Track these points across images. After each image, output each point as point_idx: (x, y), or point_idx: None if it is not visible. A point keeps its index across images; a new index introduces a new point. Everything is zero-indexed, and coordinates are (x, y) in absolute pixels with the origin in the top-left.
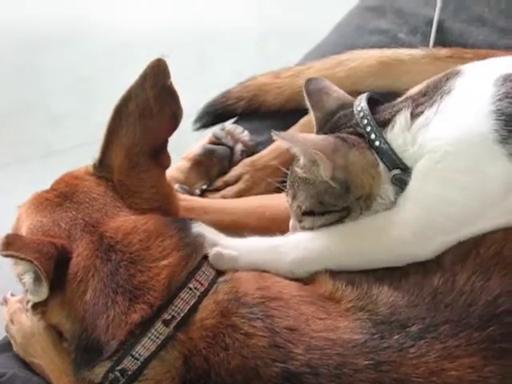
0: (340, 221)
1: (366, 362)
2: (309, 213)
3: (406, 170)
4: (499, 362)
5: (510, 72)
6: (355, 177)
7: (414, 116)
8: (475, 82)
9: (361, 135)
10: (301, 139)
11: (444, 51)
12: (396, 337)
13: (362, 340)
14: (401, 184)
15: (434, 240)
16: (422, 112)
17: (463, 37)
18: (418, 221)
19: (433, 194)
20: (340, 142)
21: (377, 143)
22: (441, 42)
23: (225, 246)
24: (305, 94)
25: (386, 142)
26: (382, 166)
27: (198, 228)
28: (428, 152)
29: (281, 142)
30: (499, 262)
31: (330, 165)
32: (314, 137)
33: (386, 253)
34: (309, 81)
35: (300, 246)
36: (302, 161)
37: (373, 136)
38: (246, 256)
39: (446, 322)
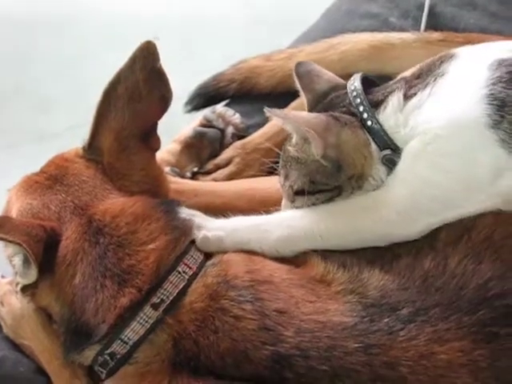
0: (331, 200)
1: (356, 345)
2: (301, 192)
3: (396, 151)
4: (489, 345)
5: (504, 56)
6: (347, 156)
7: (406, 97)
8: (469, 66)
9: (353, 114)
10: (293, 116)
11: (435, 35)
12: (386, 320)
13: (351, 323)
14: (391, 164)
15: (418, 221)
16: (415, 94)
17: (454, 21)
18: (403, 201)
19: (419, 176)
20: (332, 121)
21: (369, 123)
22: (432, 25)
23: (210, 228)
24: (295, 77)
25: (378, 123)
26: (373, 145)
27: (184, 211)
28: (419, 134)
29: (273, 118)
30: (490, 245)
31: (322, 143)
32: (306, 114)
33: (371, 232)
34: (298, 64)
35: (284, 223)
36: (294, 139)
37: (365, 115)
38: (231, 236)
39: (436, 306)
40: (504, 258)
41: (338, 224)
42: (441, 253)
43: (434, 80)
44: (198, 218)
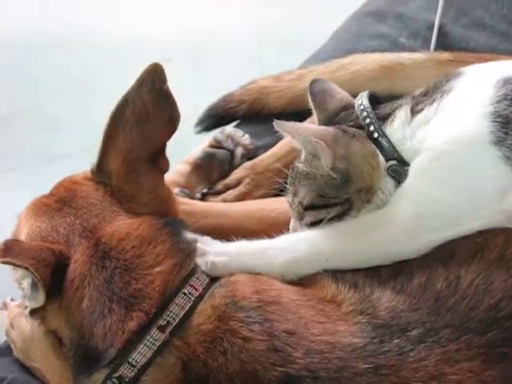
0: (342, 215)
1: (366, 366)
2: (310, 207)
3: (402, 163)
4: (499, 366)
5: (510, 75)
6: (355, 167)
7: (414, 112)
8: (475, 83)
9: (361, 128)
10: (302, 128)
11: (446, 55)
12: (396, 341)
13: (361, 344)
14: (397, 176)
15: (422, 238)
16: (422, 109)
17: (464, 41)
18: (408, 219)
19: (424, 193)
20: (341, 133)
21: (375, 135)
22: (442, 46)
23: (215, 253)
24: (309, 95)
25: (385, 135)
26: (381, 157)
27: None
28: (425, 149)
29: (283, 134)
30: (502, 265)
31: (331, 154)
32: (315, 126)
33: (376, 251)
34: (313, 82)
35: (288, 247)
36: (303, 155)
37: (372, 128)
38: (236, 261)
39: (446, 326)
40: None
41: (343, 245)
42: (453, 272)
43: (441, 96)
44: (202, 243)
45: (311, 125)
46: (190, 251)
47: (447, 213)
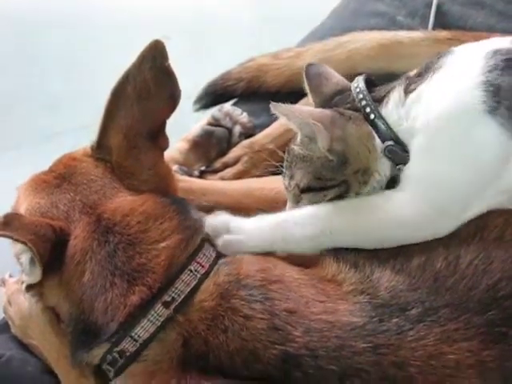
0: (339, 197)
1: (365, 345)
2: (307, 189)
3: (399, 144)
4: (498, 346)
5: (499, 46)
6: (352, 149)
7: (407, 92)
8: (466, 57)
9: (357, 110)
10: (298, 111)
11: (444, 33)
12: (395, 320)
13: (360, 323)
14: (393, 156)
15: (433, 221)
16: (414, 89)
17: (462, 19)
18: (419, 201)
19: (431, 172)
20: (337, 115)
21: (371, 116)
22: (440, 24)
23: (232, 231)
24: (304, 79)
25: (381, 116)
26: (377, 139)
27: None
28: (421, 128)
29: (278, 115)
30: (501, 245)
31: (328, 136)
32: (311, 109)
33: (388, 232)
34: (309, 66)
35: (305, 222)
36: (299, 137)
37: (368, 109)
38: (254, 237)
39: (446, 306)
40: None
41: (355, 222)
42: (453, 253)
43: (432, 74)
44: (218, 220)
45: (307, 107)
46: (196, 228)
47: (454, 191)
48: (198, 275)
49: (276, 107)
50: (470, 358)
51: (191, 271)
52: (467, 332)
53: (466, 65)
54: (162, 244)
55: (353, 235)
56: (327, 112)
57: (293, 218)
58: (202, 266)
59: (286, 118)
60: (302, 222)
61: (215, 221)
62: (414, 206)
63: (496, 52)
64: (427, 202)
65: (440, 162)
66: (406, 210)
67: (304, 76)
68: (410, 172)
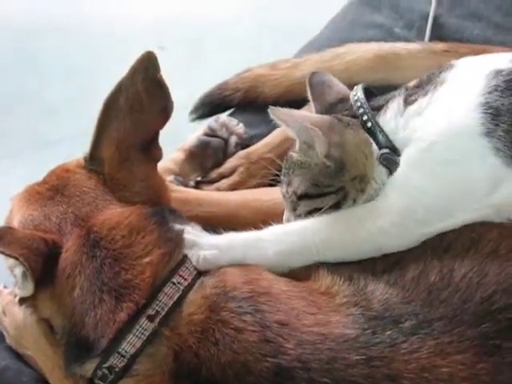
0: (337, 206)
1: (358, 357)
2: (304, 196)
3: (395, 152)
4: (491, 359)
5: (502, 67)
6: (349, 155)
7: (407, 103)
8: (467, 75)
9: (355, 117)
10: (297, 115)
11: (441, 45)
12: (388, 332)
13: (353, 335)
14: (388, 164)
15: (412, 231)
16: (415, 100)
17: (459, 32)
18: (399, 211)
19: (414, 185)
20: (336, 121)
21: (368, 124)
22: (436, 36)
23: (205, 246)
24: (307, 86)
25: (378, 124)
26: (374, 146)
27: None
28: (416, 140)
29: (276, 120)
30: (495, 259)
31: (326, 141)
32: (310, 114)
33: (366, 243)
34: (313, 74)
35: (279, 239)
36: (297, 144)
37: (365, 117)
38: (227, 254)
39: (439, 319)
40: (508, 272)
41: (334, 236)
42: (447, 266)
43: (434, 88)
44: (191, 234)
45: (306, 112)
46: (178, 241)
47: (437, 205)
48: (181, 287)
49: (274, 112)
50: (463, 370)
51: (174, 284)
52: (461, 345)
53: (467, 83)
54: (146, 259)
55: (336, 250)
56: (325, 117)
57: (266, 236)
58: (185, 279)
59: (284, 123)
60: (276, 240)
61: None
62: (392, 214)
63: (498, 73)
64: (407, 213)
65: (428, 177)
66: (384, 219)
67: (307, 84)
68: (395, 181)
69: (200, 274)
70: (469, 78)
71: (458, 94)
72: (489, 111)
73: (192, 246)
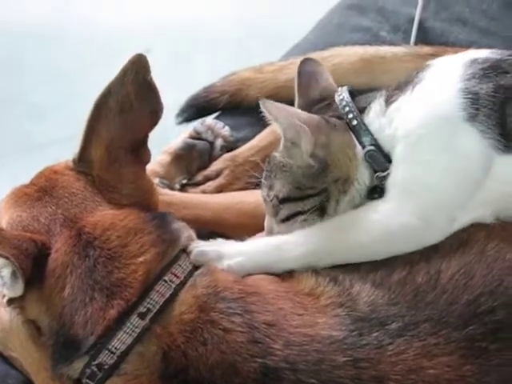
0: (321, 209)
1: (345, 359)
2: (287, 199)
3: (379, 150)
4: (478, 361)
5: (477, 56)
6: (334, 156)
7: (388, 103)
8: (444, 67)
9: (341, 118)
10: (286, 111)
11: (426, 49)
12: (375, 334)
13: (340, 336)
14: (373, 161)
15: (421, 233)
16: (395, 100)
17: (444, 36)
18: (405, 211)
19: (415, 181)
20: (323, 121)
21: (354, 122)
22: (422, 40)
23: (230, 255)
24: (296, 74)
25: (363, 122)
26: (358, 147)
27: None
28: (403, 136)
29: (266, 113)
30: (482, 260)
31: (313, 139)
32: (299, 111)
33: (379, 245)
34: (305, 60)
35: (299, 240)
36: (282, 141)
37: (350, 115)
38: (252, 259)
39: (426, 320)
40: (495, 274)
41: (350, 239)
42: (434, 267)
43: (413, 87)
44: (216, 245)
45: (296, 109)
46: (173, 240)
47: (440, 200)
48: (173, 285)
49: (265, 104)
50: (449, 372)
51: (166, 281)
52: (447, 347)
53: (444, 74)
54: (140, 258)
55: (343, 251)
56: (314, 117)
57: (290, 239)
58: (177, 277)
59: (273, 117)
60: (298, 241)
61: (207, 249)
62: (400, 216)
63: (474, 61)
64: (413, 212)
65: (422, 171)
66: (392, 220)
67: (297, 71)
68: (393, 181)
69: (193, 271)
70: (446, 70)
71: (436, 84)
72: (468, 96)
73: (218, 258)
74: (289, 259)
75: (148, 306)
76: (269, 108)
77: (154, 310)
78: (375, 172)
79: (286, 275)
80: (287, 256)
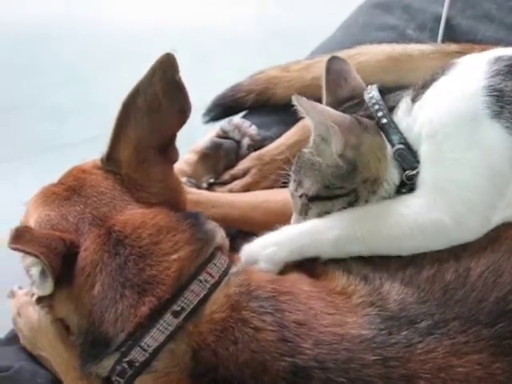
0: (349, 206)
1: (374, 358)
2: (316, 198)
3: (408, 148)
4: (508, 358)
5: (502, 54)
6: (363, 157)
7: (414, 101)
8: (468, 65)
9: (371, 118)
10: (320, 108)
11: (453, 47)
12: (404, 332)
13: (370, 335)
14: (402, 160)
15: (452, 231)
16: (420, 98)
17: (471, 33)
18: (435, 208)
19: (445, 178)
20: (356, 122)
21: (383, 120)
22: (449, 38)
23: (263, 247)
24: (324, 72)
25: (392, 121)
26: (388, 147)
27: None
28: (428, 135)
29: (299, 107)
30: (510, 258)
31: (343, 140)
32: (332, 110)
33: (408, 239)
34: (332, 59)
35: (334, 225)
36: (312, 137)
37: (380, 113)
38: (285, 247)
39: (455, 318)
40: None
41: (375, 228)
42: (463, 265)
43: (437, 85)
44: (250, 251)
45: (329, 108)
46: (208, 239)
47: (469, 198)
48: (208, 285)
49: (298, 99)
50: (479, 370)
51: (200, 281)
52: (477, 344)
53: (468, 71)
54: (174, 256)
55: (372, 241)
56: (346, 117)
57: (319, 224)
58: (212, 277)
59: (305, 112)
60: (329, 225)
61: (251, 248)
62: (431, 212)
63: (498, 58)
64: (444, 211)
65: (451, 168)
66: (422, 216)
67: (324, 69)
68: (423, 179)
69: (229, 269)
70: (470, 67)
71: (460, 81)
72: (493, 94)
73: (255, 260)
74: (320, 243)
75: (182, 305)
76: (302, 103)
77: (188, 310)
78: (404, 171)
79: (321, 273)
80: (318, 239)
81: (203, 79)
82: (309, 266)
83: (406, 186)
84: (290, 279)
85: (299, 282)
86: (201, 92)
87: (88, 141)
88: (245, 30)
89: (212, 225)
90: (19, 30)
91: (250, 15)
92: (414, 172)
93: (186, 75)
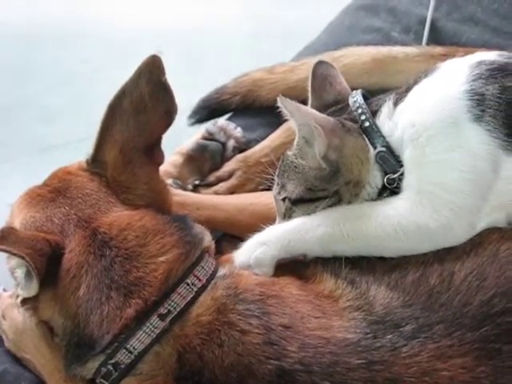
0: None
1: (359, 361)
2: (299, 201)
3: (390, 151)
4: (492, 362)
5: (484, 58)
6: (346, 160)
7: (396, 105)
8: (450, 69)
9: (355, 121)
10: (304, 110)
11: (438, 49)
12: (389, 336)
13: (355, 339)
14: (384, 163)
15: (436, 235)
16: (401, 102)
17: (456, 36)
18: (421, 211)
19: (429, 181)
20: (339, 125)
21: (366, 124)
22: (434, 41)
23: (254, 245)
24: (310, 76)
25: (375, 124)
26: (371, 150)
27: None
28: (411, 138)
29: (283, 109)
30: (495, 261)
31: (326, 141)
32: (316, 112)
33: (392, 241)
34: (318, 63)
35: (315, 223)
36: (296, 139)
37: (363, 117)
38: (275, 245)
39: (439, 322)
40: (508, 275)
41: (357, 228)
42: (447, 269)
43: (419, 89)
44: (244, 255)
45: (313, 110)
46: (196, 242)
47: (453, 201)
48: (195, 288)
49: (283, 101)
50: (464, 374)
51: (188, 284)
52: (461, 348)
53: (450, 75)
54: (161, 258)
55: (357, 240)
56: (330, 119)
57: (306, 221)
58: (199, 280)
59: (290, 114)
60: (316, 223)
61: (242, 252)
62: (415, 215)
63: (480, 62)
64: (429, 214)
65: (435, 171)
66: (407, 219)
67: (311, 73)
68: (408, 182)
69: (216, 273)
70: (452, 71)
71: (442, 85)
72: (474, 98)
73: (247, 265)
74: (306, 240)
75: (169, 307)
76: (286, 105)
77: (175, 313)
78: (386, 174)
79: (311, 275)
80: (305, 236)
81: (191, 81)
82: (299, 268)
83: (387, 189)
84: (279, 282)
85: (288, 286)
86: (188, 94)
87: (79, 142)
88: (233, 31)
89: (199, 228)
90: (11, 32)
91: (238, 17)
92: (396, 176)
93: (173, 77)
